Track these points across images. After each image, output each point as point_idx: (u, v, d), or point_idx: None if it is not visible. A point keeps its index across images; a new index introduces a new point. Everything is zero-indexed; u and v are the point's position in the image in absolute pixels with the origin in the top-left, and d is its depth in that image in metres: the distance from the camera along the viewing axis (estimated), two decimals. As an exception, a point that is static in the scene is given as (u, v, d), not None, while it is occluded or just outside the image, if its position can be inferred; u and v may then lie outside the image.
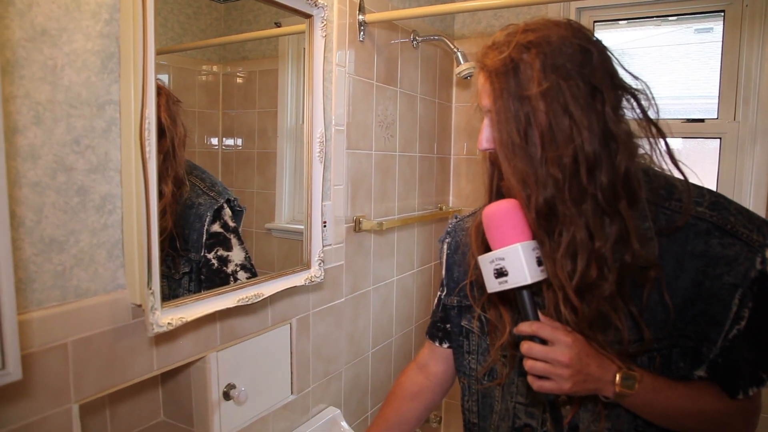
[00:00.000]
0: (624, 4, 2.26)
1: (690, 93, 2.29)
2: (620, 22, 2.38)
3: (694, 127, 2.22)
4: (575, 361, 0.83)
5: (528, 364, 0.85)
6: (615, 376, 0.84)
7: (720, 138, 2.17)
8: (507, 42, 0.86)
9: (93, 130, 0.99)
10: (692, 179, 0.92)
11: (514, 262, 0.84)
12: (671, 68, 2.31)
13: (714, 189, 2.05)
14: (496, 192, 0.97)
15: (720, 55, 2.16)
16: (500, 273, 0.85)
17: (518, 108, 0.83)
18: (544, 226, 0.85)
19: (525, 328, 0.86)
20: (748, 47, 2.08)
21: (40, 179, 0.92)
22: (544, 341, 0.85)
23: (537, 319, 0.86)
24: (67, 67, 0.94)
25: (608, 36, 2.42)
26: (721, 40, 2.16)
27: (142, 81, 0.97)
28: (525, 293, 0.86)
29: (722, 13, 2.14)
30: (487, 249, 0.89)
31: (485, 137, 0.91)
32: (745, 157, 2.11)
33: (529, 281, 0.83)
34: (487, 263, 0.87)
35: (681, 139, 2.26)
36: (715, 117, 2.18)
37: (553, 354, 0.83)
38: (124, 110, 1.02)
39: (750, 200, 2.10)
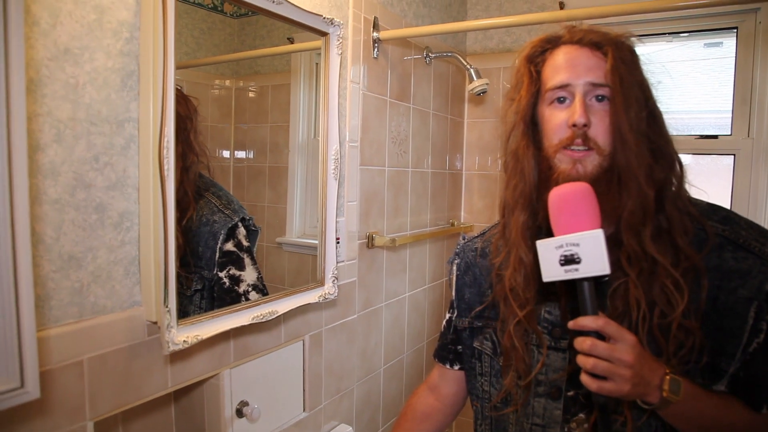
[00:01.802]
0: (636, 21, 2.27)
1: (701, 108, 2.28)
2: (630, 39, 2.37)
3: (707, 144, 2.20)
4: (638, 362, 0.78)
5: (591, 363, 0.78)
6: (662, 381, 0.80)
7: (734, 154, 2.16)
8: (604, 33, 0.94)
9: (112, 147, 1.00)
10: (702, 196, 0.93)
11: (593, 249, 0.77)
12: (681, 82, 2.31)
13: (728, 206, 2.04)
14: (537, 198, 0.94)
15: (732, 70, 2.15)
16: (569, 260, 0.78)
17: (639, 93, 0.90)
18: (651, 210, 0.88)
19: (589, 322, 0.79)
20: (762, 64, 2.07)
21: (60, 196, 0.92)
22: (601, 338, 0.79)
23: (596, 314, 0.80)
24: (88, 85, 0.95)
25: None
26: (733, 55, 2.15)
27: (162, 99, 0.97)
28: (589, 286, 0.79)
29: (735, 30, 2.14)
30: (549, 233, 0.84)
31: (580, 114, 0.88)
32: (760, 174, 2.09)
33: (608, 271, 0.77)
34: (552, 249, 0.80)
35: (693, 155, 2.25)
36: (729, 133, 2.17)
37: (618, 353, 0.77)
38: (143, 127, 1.03)
39: (765, 217, 2.08)
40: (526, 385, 0.99)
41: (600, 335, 0.79)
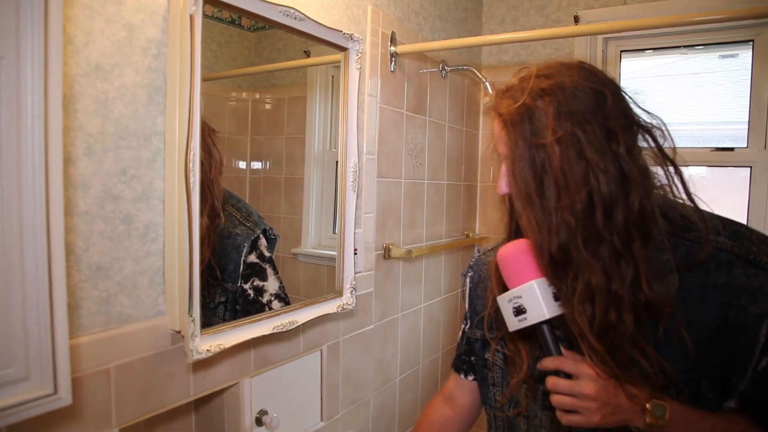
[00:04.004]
0: (651, 34, 2.28)
1: (716, 119, 2.28)
2: (646, 51, 2.39)
3: (723, 156, 2.20)
4: (602, 393, 0.82)
5: (555, 399, 0.85)
6: (645, 406, 0.83)
7: (750, 167, 2.15)
8: (521, 89, 0.87)
9: (139, 160, 1.03)
10: (716, 211, 0.92)
11: (531, 299, 0.85)
12: (696, 94, 2.31)
13: (744, 219, 2.03)
14: (515, 231, 0.97)
15: (748, 81, 2.15)
16: (519, 311, 0.86)
17: (534, 156, 0.84)
18: (558, 272, 0.85)
19: (548, 363, 0.86)
20: (778, 76, 2.07)
21: (89, 208, 0.95)
22: (569, 375, 0.85)
23: (560, 353, 0.86)
24: (117, 101, 0.98)
25: (633, 64, 2.43)
26: (748, 66, 2.15)
27: (188, 113, 1.00)
28: (545, 328, 0.86)
29: (751, 43, 2.14)
30: (505, 288, 0.90)
31: (504, 182, 0.92)
32: (776, 187, 2.09)
33: (547, 316, 0.84)
34: (505, 303, 0.88)
35: (708, 167, 2.24)
36: (745, 146, 2.17)
37: (579, 387, 0.83)
38: (169, 141, 1.06)
39: (782, 230, 2.07)
40: (530, 392, 1.00)
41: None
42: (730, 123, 2.23)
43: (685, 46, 2.30)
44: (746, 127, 2.17)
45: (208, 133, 1.18)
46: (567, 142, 0.81)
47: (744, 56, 2.18)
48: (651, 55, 2.39)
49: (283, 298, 1.35)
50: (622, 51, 2.40)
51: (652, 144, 0.87)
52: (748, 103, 2.15)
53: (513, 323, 0.88)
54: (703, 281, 0.86)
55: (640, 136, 0.87)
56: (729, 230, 0.89)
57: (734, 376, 0.87)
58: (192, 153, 1.00)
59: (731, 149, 2.19)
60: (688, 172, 0.91)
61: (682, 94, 2.33)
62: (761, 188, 2.13)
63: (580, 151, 0.81)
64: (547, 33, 1.68)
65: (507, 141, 0.87)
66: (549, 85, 0.84)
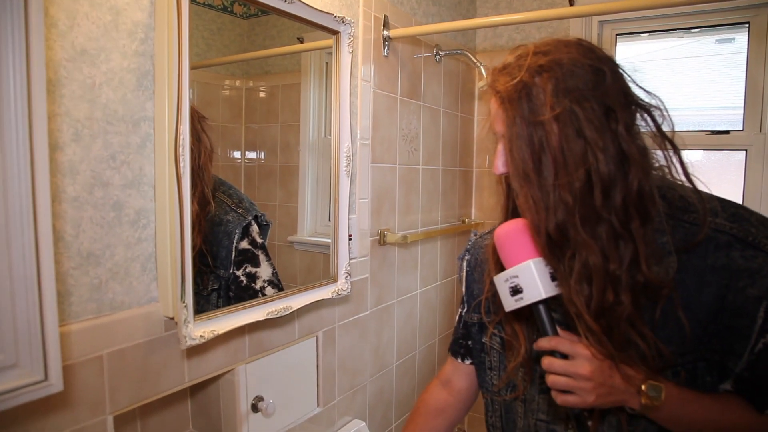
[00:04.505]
0: (647, 17, 2.26)
1: (712, 104, 2.27)
2: (642, 34, 2.37)
3: (718, 139, 2.19)
4: (597, 374, 0.82)
5: (550, 379, 0.85)
6: (640, 387, 0.83)
7: (746, 150, 2.15)
8: (518, 66, 0.86)
9: (128, 146, 1.02)
10: (714, 192, 0.91)
11: (528, 278, 0.85)
12: (692, 79, 2.30)
13: (740, 201, 2.03)
14: (512, 211, 0.96)
15: (744, 66, 2.14)
16: (515, 290, 0.86)
17: (531, 133, 0.82)
18: (555, 252, 0.84)
19: (544, 343, 0.86)
20: (774, 58, 2.06)
21: (78, 194, 0.94)
22: (565, 356, 0.84)
23: (556, 333, 0.86)
24: (104, 86, 0.97)
25: (629, 48, 2.42)
26: (745, 51, 2.14)
27: (177, 97, 0.99)
28: (542, 308, 0.86)
29: (747, 25, 2.13)
30: (503, 268, 0.90)
31: (500, 162, 0.90)
32: (773, 169, 2.08)
33: (543, 296, 0.84)
34: (502, 282, 0.88)
35: (704, 151, 2.24)
36: (741, 129, 2.16)
37: (574, 368, 0.83)
38: (158, 126, 1.05)
39: (778, 212, 2.07)
40: (528, 374, 1.00)
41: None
42: (726, 108, 2.22)
43: (680, 29, 2.28)
44: (741, 112, 2.16)
45: (197, 119, 1.16)
46: (565, 120, 0.80)
47: (741, 40, 2.17)
48: (647, 38, 2.38)
49: (277, 284, 1.35)
50: (617, 34, 2.39)
51: (651, 123, 0.86)
52: (743, 86, 2.14)
53: (509, 303, 0.87)
54: (702, 263, 0.86)
55: (638, 116, 0.86)
56: (728, 212, 0.88)
57: (731, 358, 0.86)
58: (182, 137, 0.99)
59: (727, 132, 2.18)
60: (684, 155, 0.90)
61: (679, 80, 2.31)
62: (756, 171, 2.12)
63: (578, 129, 0.80)
64: (542, 15, 1.66)
65: (504, 119, 0.85)
66: (547, 62, 0.83)
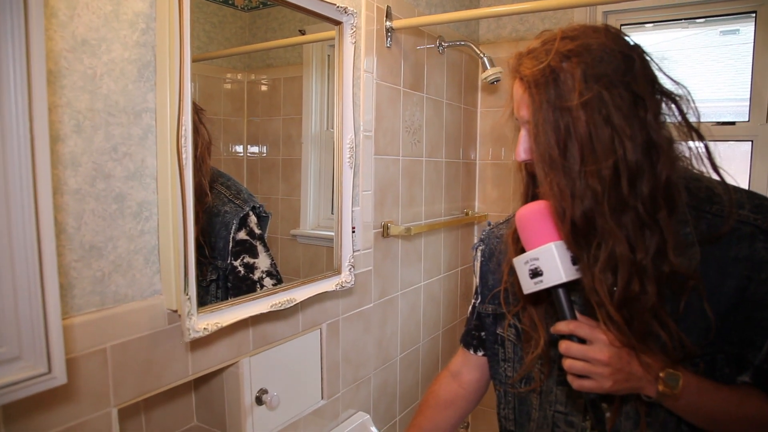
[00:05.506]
0: (652, 6, 2.24)
1: (718, 95, 2.25)
2: (647, 25, 2.35)
3: (724, 130, 2.18)
4: (615, 359, 0.81)
5: (567, 363, 0.84)
6: (658, 375, 0.82)
7: (752, 141, 2.13)
8: (545, 50, 0.84)
9: (130, 137, 1.01)
10: (731, 183, 0.90)
11: (549, 261, 0.83)
12: (697, 71, 2.28)
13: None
14: (532, 200, 0.95)
15: (749, 58, 2.12)
16: (535, 273, 0.85)
17: (558, 119, 0.81)
18: (579, 240, 0.83)
19: (562, 327, 0.85)
20: (780, 48, 2.04)
21: (80, 186, 0.94)
22: (582, 340, 0.84)
23: (574, 318, 0.85)
24: (105, 76, 0.96)
25: (633, 39, 2.39)
26: (749, 42, 2.12)
27: (179, 88, 0.98)
28: (561, 292, 0.85)
29: (754, 14, 2.11)
30: (523, 250, 0.89)
31: (523, 148, 0.89)
32: (779, 160, 2.07)
33: (564, 279, 0.83)
34: (521, 264, 0.87)
35: (711, 142, 2.22)
36: (747, 120, 2.15)
37: (592, 352, 0.81)
38: (160, 117, 1.04)
39: (784, 203, 2.05)
40: (545, 367, 0.99)
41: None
42: (732, 100, 2.21)
43: (686, 19, 2.26)
44: (747, 103, 2.14)
45: (195, 111, 1.16)
46: (594, 106, 0.79)
47: (746, 32, 2.15)
48: (652, 29, 2.36)
49: (275, 275, 1.34)
50: (622, 25, 2.37)
51: (677, 113, 0.85)
52: (749, 79, 2.12)
53: (528, 285, 0.86)
54: (724, 254, 0.85)
55: (664, 106, 0.85)
56: (752, 203, 0.87)
57: (750, 350, 0.86)
58: (184, 128, 0.99)
59: (733, 123, 2.17)
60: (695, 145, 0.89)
61: (684, 71, 2.29)
62: (763, 162, 2.11)
63: (606, 116, 0.79)
64: (546, 4, 1.65)
65: (530, 104, 0.84)
66: (575, 47, 0.82)
